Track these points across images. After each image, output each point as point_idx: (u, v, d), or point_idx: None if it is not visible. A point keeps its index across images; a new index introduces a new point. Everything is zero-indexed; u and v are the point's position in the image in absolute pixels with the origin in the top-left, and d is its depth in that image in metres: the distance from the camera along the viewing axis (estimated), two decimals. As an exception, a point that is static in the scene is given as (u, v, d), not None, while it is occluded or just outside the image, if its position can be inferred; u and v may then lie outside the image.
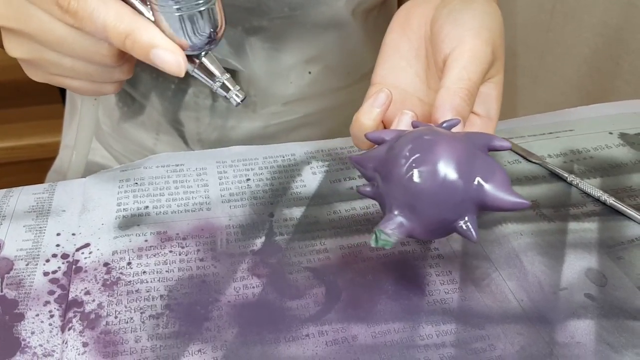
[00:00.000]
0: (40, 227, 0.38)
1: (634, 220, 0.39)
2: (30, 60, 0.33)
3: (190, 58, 0.32)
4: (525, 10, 1.08)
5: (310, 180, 0.43)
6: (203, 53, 0.32)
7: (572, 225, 0.38)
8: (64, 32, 0.30)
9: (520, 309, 0.33)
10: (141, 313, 0.33)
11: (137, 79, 0.56)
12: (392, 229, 0.29)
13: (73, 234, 0.38)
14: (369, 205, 0.40)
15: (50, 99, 1.05)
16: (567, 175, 0.42)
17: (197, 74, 0.33)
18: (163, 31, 0.30)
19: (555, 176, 0.43)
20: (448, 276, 0.35)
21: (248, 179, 0.43)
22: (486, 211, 0.30)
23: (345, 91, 0.59)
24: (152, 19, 0.30)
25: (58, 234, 0.38)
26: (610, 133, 0.47)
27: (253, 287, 0.34)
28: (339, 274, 0.35)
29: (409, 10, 0.39)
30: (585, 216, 0.39)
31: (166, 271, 0.35)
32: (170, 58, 0.29)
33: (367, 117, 0.35)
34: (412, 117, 0.34)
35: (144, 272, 0.35)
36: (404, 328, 0.32)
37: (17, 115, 1.09)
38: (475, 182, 0.29)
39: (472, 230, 0.29)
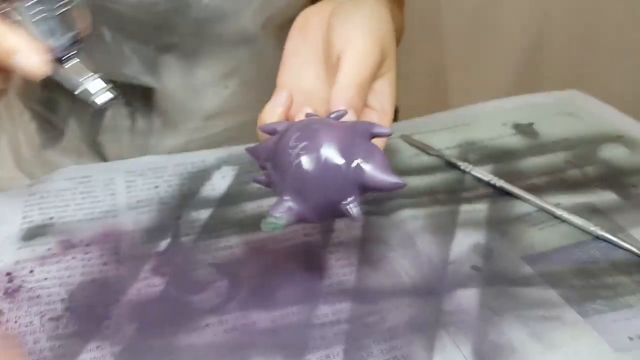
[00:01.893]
0: (-60, 244, 0.38)
1: (522, 199, 0.41)
2: None
3: (55, 63, 0.32)
4: (451, 23, 1.13)
5: (219, 183, 0.44)
6: (70, 55, 0.32)
7: (464, 207, 0.41)
8: None
9: (412, 284, 0.35)
10: (41, 317, 0.33)
11: (55, 104, 0.57)
12: (281, 212, 0.30)
13: (-26, 248, 0.37)
14: (274, 202, 0.42)
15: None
16: (460, 164, 0.44)
17: (61, 78, 0.32)
18: (26, 35, 0.30)
19: (451, 165, 0.45)
20: (347, 260, 0.37)
21: (157, 186, 0.44)
22: (369, 192, 0.31)
23: (264, 104, 0.61)
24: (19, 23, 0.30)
25: (-42, 249, 0.37)
26: (504, 124, 0.50)
27: (155, 286, 0.35)
28: (243, 267, 0.36)
29: (307, 16, 0.41)
30: (477, 198, 0.42)
31: (68, 276, 0.35)
32: (33, 61, 0.30)
33: (269, 116, 0.37)
34: (311, 111, 0.36)
35: (46, 278, 0.35)
36: (301, 310, 0.33)
37: None
38: (355, 165, 0.30)
39: (353, 210, 0.30)
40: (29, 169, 0.62)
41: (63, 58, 0.32)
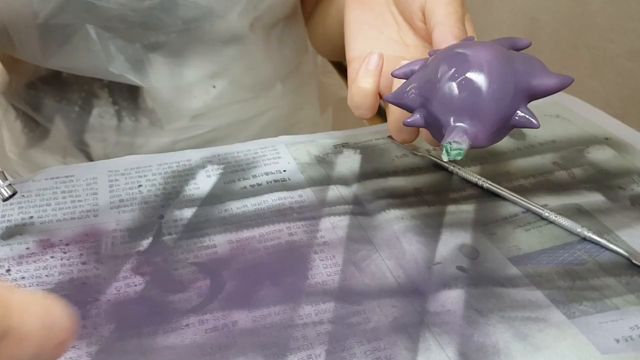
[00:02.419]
0: None
1: (509, 200, 0.41)
2: None
3: None
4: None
5: (204, 182, 0.43)
6: None
7: (450, 208, 0.40)
8: None
9: (396, 284, 0.34)
10: (16, 316, 0.32)
11: (40, 103, 0.56)
12: (460, 135, 0.29)
13: (-50, 247, 0.37)
14: (260, 202, 0.41)
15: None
16: (447, 165, 0.44)
17: None
18: None
19: (438, 167, 0.45)
20: (332, 260, 0.36)
21: (140, 185, 0.43)
22: (536, 98, 0.30)
23: (252, 104, 0.60)
24: None
25: None
26: (492, 126, 0.50)
27: (135, 285, 0.34)
28: (225, 266, 0.36)
29: None
30: (464, 199, 0.41)
31: (46, 275, 0.35)
32: None
33: (366, 80, 0.36)
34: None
35: (23, 277, 0.34)
36: (284, 310, 0.32)
37: None
38: (522, 73, 0.30)
39: (531, 117, 0.30)
40: (14, 168, 0.61)
41: None
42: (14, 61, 0.55)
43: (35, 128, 0.58)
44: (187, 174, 0.44)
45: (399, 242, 0.37)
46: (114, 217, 0.40)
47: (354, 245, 0.37)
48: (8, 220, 0.39)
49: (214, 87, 0.56)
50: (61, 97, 0.55)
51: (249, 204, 0.41)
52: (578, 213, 0.40)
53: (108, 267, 0.35)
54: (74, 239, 0.38)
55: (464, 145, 0.29)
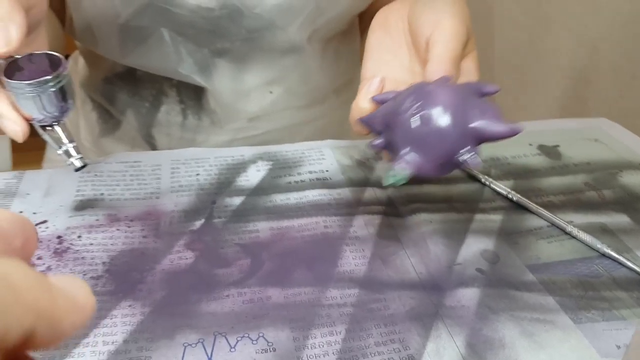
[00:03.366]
0: (5, 206, 0.43)
1: (536, 214, 0.43)
2: None
3: (44, 126, 0.36)
4: (502, 53, 1.15)
5: (254, 176, 0.48)
6: (56, 122, 0.36)
7: (478, 216, 0.43)
8: None
9: (418, 279, 0.37)
10: (83, 275, 0.37)
11: (115, 97, 0.62)
12: (404, 165, 0.33)
13: (34, 213, 0.42)
14: (302, 196, 0.45)
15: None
16: (481, 177, 0.47)
17: (47, 138, 0.37)
18: (16, 105, 0.34)
19: (472, 178, 0.48)
20: (361, 253, 0.40)
21: (198, 174, 0.48)
22: (485, 141, 0.34)
23: (305, 111, 0.65)
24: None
25: (20, 212, 0.42)
26: (530, 144, 0.52)
27: (187, 259, 0.39)
28: (265, 249, 0.40)
29: (387, 11, 0.45)
30: (492, 210, 0.44)
31: (111, 244, 0.40)
32: (11, 127, 0.35)
33: (365, 100, 0.40)
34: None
35: (91, 243, 0.40)
36: (313, 291, 0.36)
37: None
38: (472, 116, 0.33)
39: (474, 157, 0.33)
40: (86, 154, 0.67)
41: (47, 125, 0.36)
42: (95, 57, 0.61)
43: (109, 119, 0.64)
44: (240, 167, 0.49)
45: (425, 242, 0.40)
46: (173, 200, 0.45)
47: (382, 242, 0.40)
48: (82, 194, 0.45)
49: (271, 92, 0.60)
50: (134, 93, 0.61)
51: (292, 197, 0.45)
52: (601, 231, 0.42)
53: (164, 241, 0.40)
54: (138, 216, 0.43)
55: (405, 173, 0.33)
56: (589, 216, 0.43)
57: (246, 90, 0.59)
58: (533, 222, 0.43)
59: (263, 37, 0.55)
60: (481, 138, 0.33)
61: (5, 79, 0.33)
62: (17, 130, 0.35)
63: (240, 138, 0.62)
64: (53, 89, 0.33)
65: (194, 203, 0.44)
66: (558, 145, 0.52)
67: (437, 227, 0.41)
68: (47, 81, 0.33)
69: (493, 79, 1.22)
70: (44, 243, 0.40)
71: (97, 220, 0.42)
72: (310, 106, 0.64)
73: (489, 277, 0.37)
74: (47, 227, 0.41)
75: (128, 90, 0.61)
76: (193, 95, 0.60)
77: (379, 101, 0.38)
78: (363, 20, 0.66)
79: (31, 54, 0.35)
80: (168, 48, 0.55)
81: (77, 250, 0.39)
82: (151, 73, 0.58)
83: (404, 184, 0.34)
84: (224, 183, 0.47)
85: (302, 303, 0.35)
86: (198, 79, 0.57)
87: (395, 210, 0.43)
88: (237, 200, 0.45)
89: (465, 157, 0.33)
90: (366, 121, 0.37)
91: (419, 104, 0.33)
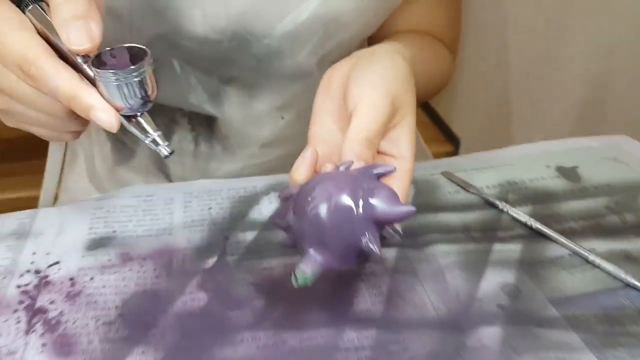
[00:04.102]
0: (19, 247, 0.43)
1: (556, 242, 0.42)
2: (5, 110, 0.39)
3: (128, 117, 0.36)
4: (518, 61, 1.14)
5: (266, 208, 0.47)
6: (139, 113, 0.36)
7: (497, 246, 0.42)
8: (27, 90, 0.36)
9: (437, 317, 0.36)
10: (96, 320, 0.37)
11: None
12: (307, 266, 0.33)
13: (47, 253, 0.42)
14: (315, 230, 0.44)
15: (42, 154, 1.12)
16: (499, 203, 0.46)
17: (133, 129, 0.37)
18: (102, 95, 0.34)
19: (489, 204, 0.47)
20: (377, 289, 0.39)
21: (210, 208, 0.47)
22: (384, 225, 0.34)
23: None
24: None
25: (34, 253, 0.42)
26: (548, 166, 0.51)
27: (199, 300, 0.38)
28: (280, 288, 0.39)
29: (331, 74, 0.44)
30: (511, 238, 0.43)
31: (124, 286, 0.39)
32: (105, 117, 0.34)
33: (297, 173, 0.40)
34: (332, 168, 0.39)
35: (104, 286, 0.39)
36: (329, 334, 0.35)
37: (8, 170, 1.17)
38: (363, 203, 0.33)
39: (373, 245, 0.33)
40: (101, 183, 0.67)
41: (132, 116, 0.36)
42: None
43: (123, 148, 0.64)
44: (252, 199, 0.48)
45: (443, 276, 0.39)
46: (185, 236, 0.44)
47: (399, 277, 0.39)
48: (95, 232, 0.44)
49: (283, 118, 0.60)
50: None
51: (306, 231, 0.44)
52: (625, 259, 0.40)
53: (177, 281, 0.40)
54: (150, 254, 0.42)
55: (309, 274, 0.33)
56: (611, 242, 0.42)
57: (257, 116, 0.59)
58: (554, 251, 0.42)
59: (272, 65, 0.55)
60: (378, 222, 0.33)
61: (93, 69, 0.34)
62: (112, 120, 0.34)
63: (252, 164, 0.61)
64: (137, 79, 0.34)
65: (206, 239, 0.44)
66: (577, 167, 0.51)
67: (455, 259, 0.40)
68: (132, 70, 0.34)
69: (508, 88, 1.21)
70: (56, 286, 0.39)
71: (110, 260, 0.42)
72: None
73: (511, 314, 0.36)
74: (59, 269, 0.41)
75: None
76: (204, 123, 0.59)
77: (284, 197, 0.38)
78: (371, 44, 0.65)
79: (112, 49, 0.35)
80: (178, 77, 0.55)
81: (90, 294, 0.39)
82: (161, 103, 0.58)
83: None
84: (237, 217, 0.46)
85: (318, 348, 0.34)
86: (208, 108, 0.57)
87: (412, 242, 0.42)
88: (250, 236, 0.44)
89: (365, 246, 0.33)
90: (274, 221, 0.38)
91: (311, 200, 0.33)
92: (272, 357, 0.34)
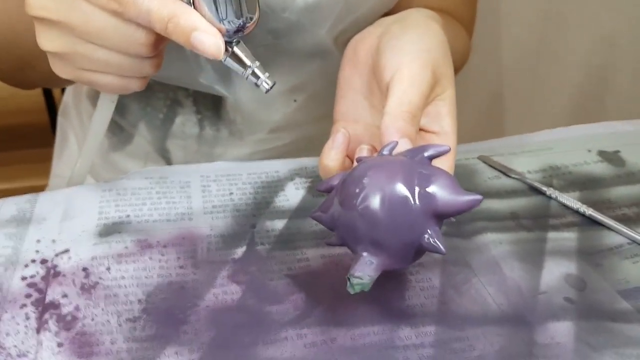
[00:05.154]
0: (21, 234, 0.38)
1: (613, 230, 0.39)
2: (63, 54, 0.33)
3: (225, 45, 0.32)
4: (511, 53, 1.11)
5: (293, 195, 0.43)
6: (235, 41, 0.32)
7: (551, 235, 0.39)
8: (105, 21, 0.31)
9: (500, 312, 0.33)
10: (118, 316, 0.32)
11: (125, 108, 0.57)
12: (363, 272, 0.29)
13: (53, 241, 0.37)
14: (350, 216, 0.41)
15: (43, 143, 1.06)
16: (545, 189, 0.43)
17: (230, 62, 0.33)
18: (203, 16, 0.30)
19: (534, 190, 0.43)
20: (428, 282, 0.35)
21: (231, 193, 0.43)
22: (445, 218, 0.30)
23: (330, 120, 0.60)
24: (192, 4, 0.31)
25: (38, 241, 0.37)
26: (589, 151, 0.48)
27: (232, 293, 0.34)
28: (320, 281, 0.35)
29: (356, 45, 0.40)
30: (564, 226, 0.40)
31: (145, 277, 0.35)
32: (210, 40, 0.30)
33: (329, 159, 0.36)
34: (368, 150, 0.35)
35: (123, 277, 0.35)
36: (383, 330, 0.32)
37: (10, 159, 1.10)
38: (421, 195, 0.29)
39: (437, 242, 0.29)
40: (96, 170, 0.62)
41: (231, 42, 0.32)
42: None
43: (119, 133, 0.59)
44: (276, 185, 0.44)
45: (499, 267, 0.36)
46: (207, 222, 0.40)
47: (450, 268, 0.36)
48: (106, 217, 0.40)
49: (295, 101, 0.56)
50: (146, 104, 0.56)
51: (340, 218, 0.41)
52: (690, 248, 0.37)
53: (205, 272, 0.36)
54: (171, 241, 0.38)
55: (367, 280, 0.29)
56: (671, 231, 0.39)
57: (268, 98, 0.54)
58: (611, 239, 0.39)
59: (289, 41, 0.51)
60: (443, 216, 0.29)
61: None
62: (218, 42, 0.30)
63: (260, 150, 0.57)
64: None
65: (231, 226, 0.40)
66: (619, 151, 0.48)
67: (509, 249, 0.37)
68: None
69: (502, 83, 1.18)
70: (68, 277, 0.35)
71: (126, 247, 0.37)
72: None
73: (580, 307, 0.33)
74: (69, 258, 0.36)
75: (140, 101, 0.56)
76: (210, 105, 0.55)
77: (324, 190, 0.34)
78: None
79: None
80: (187, 56, 0.51)
81: (108, 286, 0.34)
82: (164, 82, 0.53)
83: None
84: (262, 203, 0.42)
85: (373, 345, 0.31)
86: (219, 89, 0.53)
87: (458, 231, 0.39)
88: (279, 224, 0.40)
89: (428, 244, 0.29)
90: (316, 218, 0.33)
91: (363, 192, 0.29)
92: (323, 357, 0.30)
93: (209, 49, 0.30)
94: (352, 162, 0.38)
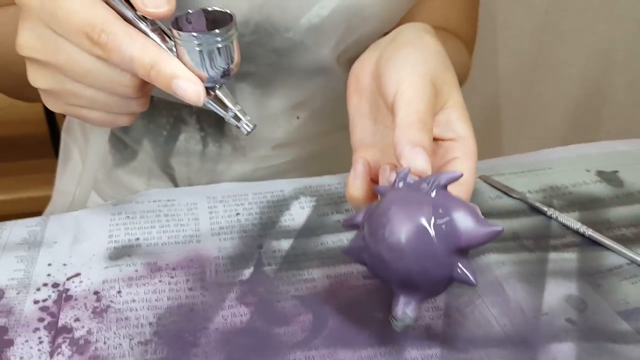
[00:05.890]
0: (32, 258, 0.39)
1: (613, 251, 0.40)
2: (53, 91, 0.34)
3: (206, 90, 0.32)
4: (508, 65, 1.12)
5: (298, 214, 0.44)
6: (217, 86, 0.33)
7: (552, 255, 0.39)
8: (90, 64, 0.31)
9: (503, 334, 0.33)
10: (130, 339, 0.33)
11: (130, 126, 0.58)
12: (406, 311, 0.31)
13: (64, 264, 0.38)
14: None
15: (43, 153, 1.07)
16: (546, 209, 0.43)
17: (212, 104, 0.33)
18: (184, 64, 0.31)
19: (535, 210, 0.44)
20: (432, 304, 0.36)
21: (238, 213, 0.44)
22: (471, 249, 0.30)
23: (332, 136, 0.61)
24: (174, 52, 0.31)
25: (49, 264, 0.38)
26: (588, 171, 0.49)
27: (241, 315, 0.35)
28: (326, 301, 0.36)
29: (357, 72, 0.41)
30: (565, 247, 0.40)
31: (155, 300, 0.36)
32: (191, 88, 0.31)
33: (354, 189, 0.36)
34: (390, 169, 0.35)
35: (134, 300, 0.36)
36: (389, 352, 0.32)
37: (9, 169, 1.10)
38: (445, 231, 0.29)
39: (467, 274, 0.29)
40: (100, 186, 0.63)
41: (212, 87, 0.32)
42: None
43: (123, 149, 0.60)
44: (282, 204, 0.45)
45: (502, 288, 0.36)
46: (215, 244, 0.41)
47: (455, 289, 0.37)
48: (115, 241, 0.40)
49: (298, 117, 0.56)
50: (150, 121, 0.57)
51: (344, 239, 0.41)
52: (688, 269, 0.38)
53: (213, 294, 0.36)
54: (180, 263, 0.39)
55: (409, 320, 0.31)
56: (669, 251, 0.40)
57: (271, 115, 0.55)
58: (611, 259, 0.39)
59: (292, 60, 0.52)
60: (468, 249, 0.30)
61: (174, 31, 0.30)
62: (198, 90, 0.31)
63: (263, 167, 0.58)
64: (222, 44, 0.30)
65: (238, 247, 0.40)
66: (617, 171, 0.49)
67: (511, 270, 0.38)
68: (217, 35, 0.30)
69: (498, 94, 1.19)
70: (80, 301, 0.35)
71: (137, 270, 0.38)
72: (338, 131, 0.61)
73: (581, 328, 0.34)
74: (81, 282, 0.37)
75: (144, 118, 0.57)
76: (214, 122, 0.56)
77: (350, 226, 0.34)
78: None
79: (188, 13, 0.31)
80: None
81: (119, 309, 0.35)
82: (170, 100, 0.54)
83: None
84: (268, 223, 0.43)
85: (381, 367, 0.31)
86: None
87: (461, 251, 0.40)
88: (285, 244, 0.41)
89: (459, 277, 0.30)
90: (350, 256, 0.34)
91: (384, 233, 0.30)
92: (332, 380, 0.31)
93: (190, 96, 0.31)
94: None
